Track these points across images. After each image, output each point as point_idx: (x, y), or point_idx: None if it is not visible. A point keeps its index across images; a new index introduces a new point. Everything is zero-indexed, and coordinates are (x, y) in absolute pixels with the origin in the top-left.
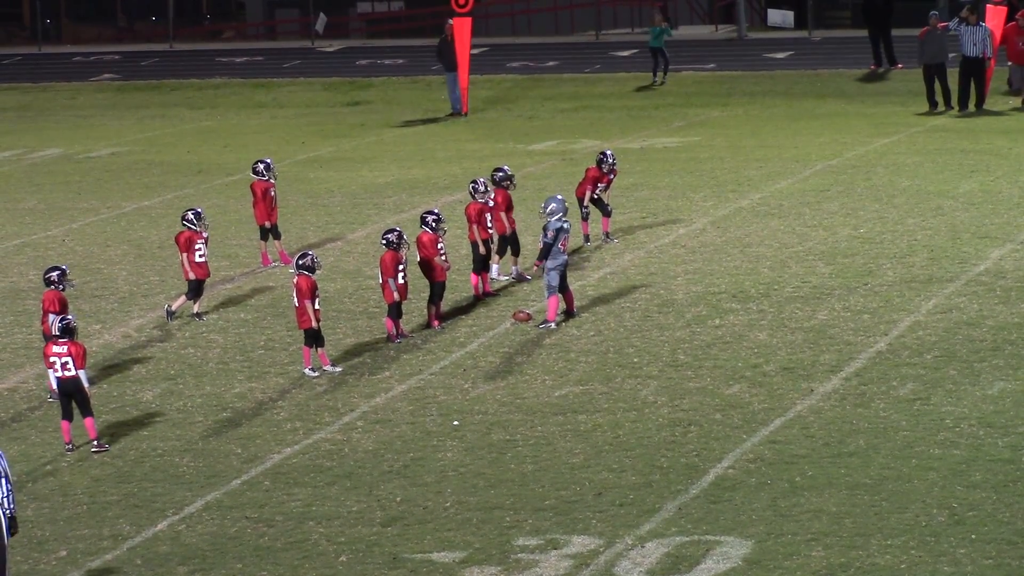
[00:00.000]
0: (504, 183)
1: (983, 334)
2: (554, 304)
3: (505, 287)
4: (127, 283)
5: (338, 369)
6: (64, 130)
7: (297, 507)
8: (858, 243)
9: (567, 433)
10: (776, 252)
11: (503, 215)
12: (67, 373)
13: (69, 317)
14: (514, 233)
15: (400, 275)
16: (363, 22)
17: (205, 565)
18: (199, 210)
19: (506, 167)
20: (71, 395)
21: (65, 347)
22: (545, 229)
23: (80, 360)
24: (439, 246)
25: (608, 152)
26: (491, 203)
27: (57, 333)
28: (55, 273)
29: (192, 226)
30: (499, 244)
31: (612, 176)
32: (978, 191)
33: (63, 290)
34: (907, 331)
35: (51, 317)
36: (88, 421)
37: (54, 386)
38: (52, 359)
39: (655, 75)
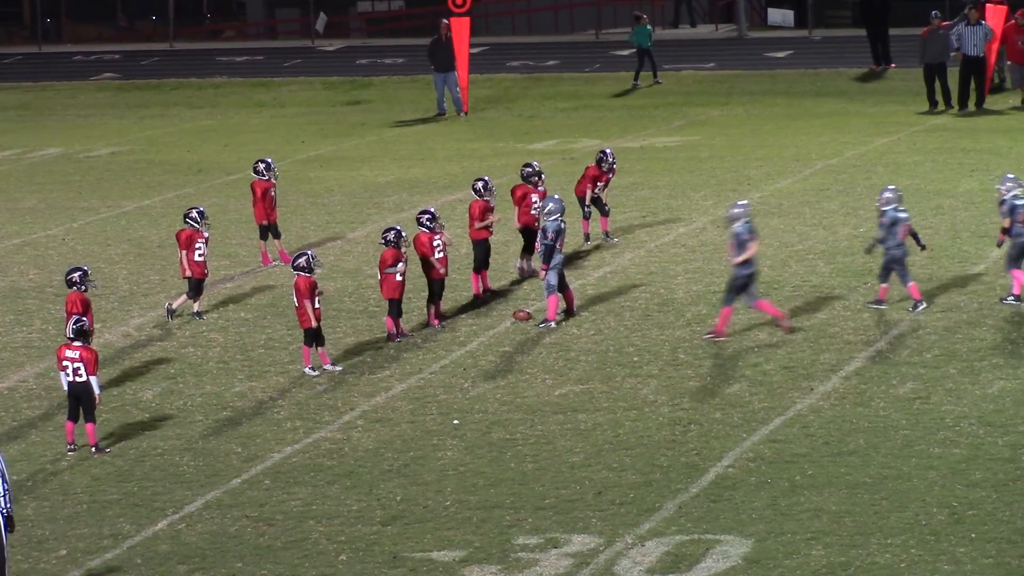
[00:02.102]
0: (532, 179)
1: (983, 333)
2: (554, 303)
3: (510, 285)
4: (127, 282)
5: (338, 368)
6: (64, 129)
7: (297, 506)
8: (858, 242)
9: (567, 432)
10: (776, 251)
11: (517, 209)
12: (78, 379)
13: (84, 320)
14: (526, 228)
15: (399, 273)
16: (363, 21)
17: (205, 564)
18: (202, 209)
19: (535, 163)
20: (79, 398)
21: (78, 352)
22: (544, 231)
23: (91, 366)
24: (434, 243)
25: (608, 151)
26: (493, 203)
27: (71, 336)
28: (77, 274)
29: (195, 224)
30: (525, 238)
31: (611, 175)
32: (978, 190)
33: (85, 291)
34: (907, 330)
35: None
36: (89, 427)
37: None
38: (64, 363)
39: (642, 76)
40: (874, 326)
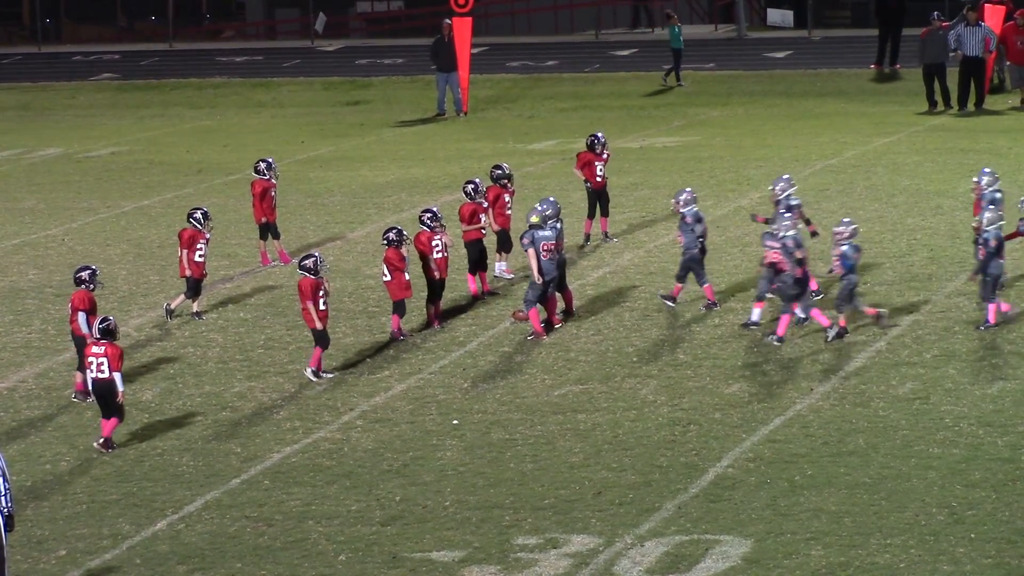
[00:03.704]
0: (501, 181)
1: (982, 333)
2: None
3: (503, 285)
4: (127, 282)
5: (328, 375)
6: (64, 129)
7: (296, 506)
8: (857, 242)
9: (566, 432)
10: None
11: (491, 211)
12: (101, 375)
13: (110, 318)
14: (503, 231)
15: (404, 272)
16: (363, 22)
17: (204, 564)
18: (206, 210)
19: (504, 165)
20: (103, 396)
21: (103, 348)
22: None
23: (116, 362)
24: (433, 243)
25: (599, 134)
26: (485, 203)
27: (97, 335)
28: (86, 272)
29: (198, 225)
30: (499, 241)
31: (607, 155)
32: None
33: (93, 289)
34: (906, 330)
35: (80, 316)
36: (107, 422)
37: (82, 386)
38: (90, 359)
39: (676, 76)
40: (873, 326)
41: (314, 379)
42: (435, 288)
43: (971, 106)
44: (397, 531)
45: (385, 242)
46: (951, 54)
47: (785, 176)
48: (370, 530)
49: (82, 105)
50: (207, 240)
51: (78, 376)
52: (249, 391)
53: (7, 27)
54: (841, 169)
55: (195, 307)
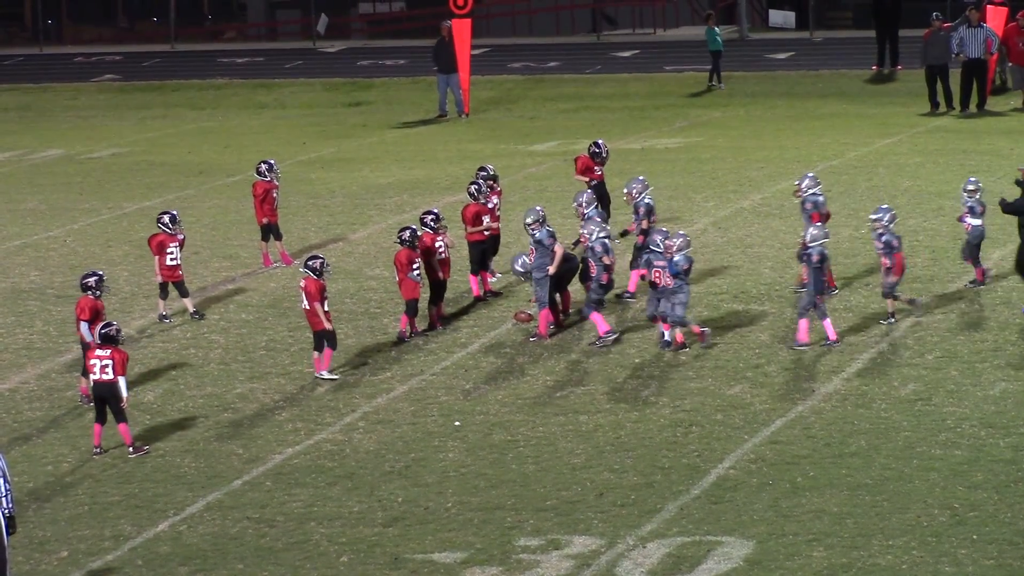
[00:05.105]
0: (488, 183)
1: (984, 335)
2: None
3: (505, 286)
4: (128, 283)
5: (334, 377)
6: (65, 131)
7: (298, 507)
8: (859, 243)
9: (568, 433)
10: (778, 252)
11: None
12: (104, 377)
13: (113, 324)
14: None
15: (415, 272)
16: (364, 23)
17: (206, 565)
18: (174, 213)
19: (489, 167)
20: (105, 400)
21: (108, 351)
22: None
23: (120, 367)
24: (437, 244)
25: (601, 143)
26: (490, 204)
27: (99, 340)
28: (93, 279)
29: (167, 229)
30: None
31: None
32: None
33: (99, 296)
34: (908, 331)
35: (83, 325)
36: (122, 427)
37: (87, 391)
38: (93, 362)
39: (717, 78)
40: (875, 327)
41: (334, 378)
42: (437, 289)
43: (973, 107)
44: (399, 532)
45: (399, 241)
46: (953, 56)
47: (640, 177)
48: (372, 531)
49: (83, 106)
50: (180, 243)
51: (82, 381)
52: (251, 392)
53: (8, 28)
54: (843, 170)
55: (190, 307)
